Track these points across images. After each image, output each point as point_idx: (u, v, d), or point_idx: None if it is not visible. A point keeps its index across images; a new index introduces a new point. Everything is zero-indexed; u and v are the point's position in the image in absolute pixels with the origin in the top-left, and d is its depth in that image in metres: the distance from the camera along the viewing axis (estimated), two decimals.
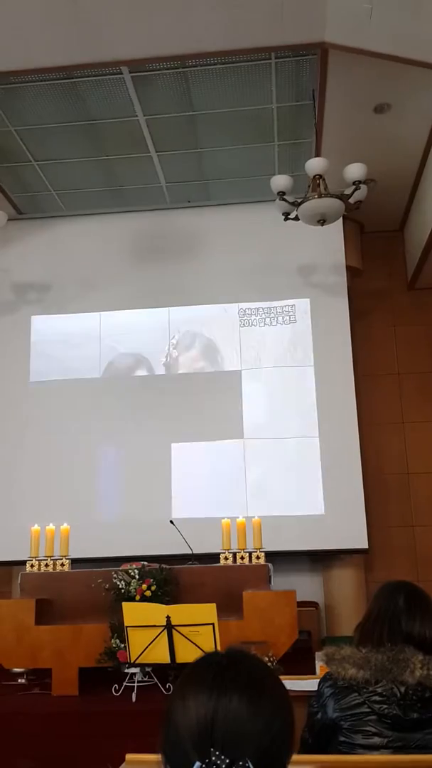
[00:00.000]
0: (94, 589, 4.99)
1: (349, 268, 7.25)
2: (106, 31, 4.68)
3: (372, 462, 7.06)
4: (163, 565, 5.11)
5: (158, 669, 4.46)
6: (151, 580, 4.90)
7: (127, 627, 4.12)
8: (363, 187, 5.36)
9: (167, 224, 7.46)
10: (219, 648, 3.67)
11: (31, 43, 4.75)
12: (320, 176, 5.33)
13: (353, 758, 1.82)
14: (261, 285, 7.19)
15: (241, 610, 4.80)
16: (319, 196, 5.31)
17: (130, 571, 4.98)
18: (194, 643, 3.83)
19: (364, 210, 5.96)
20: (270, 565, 5.13)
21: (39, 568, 5.23)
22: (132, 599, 4.73)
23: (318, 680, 2.04)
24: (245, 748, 1.01)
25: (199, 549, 5.45)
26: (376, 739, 1.83)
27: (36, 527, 5.38)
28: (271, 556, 5.22)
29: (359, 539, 6.54)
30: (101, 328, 7.35)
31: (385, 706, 1.84)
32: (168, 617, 3.93)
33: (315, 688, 2.03)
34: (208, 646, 3.73)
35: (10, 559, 6.37)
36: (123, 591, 4.87)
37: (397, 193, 7.05)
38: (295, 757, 1.11)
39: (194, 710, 1.04)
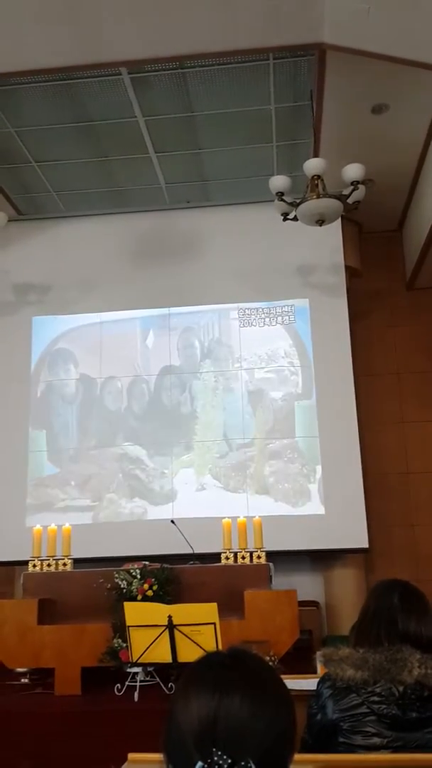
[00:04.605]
0: (96, 589, 5.01)
1: (347, 269, 7.25)
2: (105, 32, 4.68)
3: (372, 461, 7.07)
4: (165, 565, 5.13)
5: (160, 668, 4.47)
6: (153, 579, 4.91)
7: (128, 626, 4.13)
8: (361, 187, 5.37)
9: (167, 225, 7.47)
10: (220, 647, 3.68)
11: (30, 44, 4.76)
12: (318, 177, 5.34)
13: (354, 757, 1.82)
14: (260, 285, 7.20)
15: (243, 609, 4.80)
16: (318, 197, 5.32)
17: (131, 570, 5.00)
18: (196, 643, 3.83)
19: (362, 210, 5.97)
20: (271, 564, 5.14)
21: (41, 568, 5.25)
22: (134, 599, 4.74)
23: (318, 680, 2.05)
24: (247, 748, 1.01)
25: (200, 549, 5.47)
26: (376, 740, 1.83)
27: (38, 527, 5.40)
28: (271, 555, 5.23)
29: (360, 539, 6.54)
30: (102, 329, 7.37)
31: (384, 706, 1.84)
32: (169, 617, 3.93)
33: (316, 687, 2.04)
34: (210, 646, 3.74)
35: (13, 559, 6.39)
36: (125, 591, 4.88)
37: (396, 194, 7.06)
38: (296, 756, 1.12)
39: (196, 710, 1.04)
